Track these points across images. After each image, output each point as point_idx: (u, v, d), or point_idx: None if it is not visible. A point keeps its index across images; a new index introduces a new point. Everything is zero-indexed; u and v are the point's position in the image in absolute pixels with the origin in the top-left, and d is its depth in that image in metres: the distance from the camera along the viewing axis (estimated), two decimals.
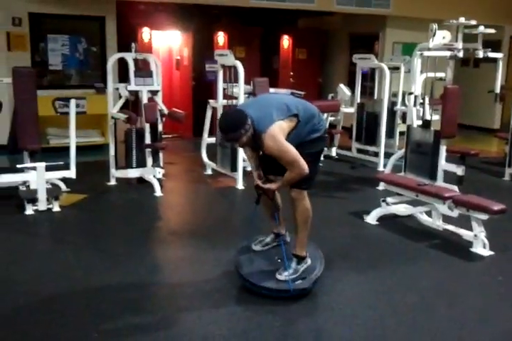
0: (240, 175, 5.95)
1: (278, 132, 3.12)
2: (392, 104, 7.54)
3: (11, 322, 3.04)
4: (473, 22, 5.19)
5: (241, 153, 5.79)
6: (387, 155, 6.66)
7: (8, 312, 3.14)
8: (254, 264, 3.48)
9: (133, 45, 5.98)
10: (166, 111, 6.07)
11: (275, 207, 3.54)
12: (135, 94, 5.86)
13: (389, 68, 7.23)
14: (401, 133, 6.85)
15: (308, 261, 3.46)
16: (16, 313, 3.14)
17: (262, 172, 3.43)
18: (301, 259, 3.41)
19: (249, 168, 6.58)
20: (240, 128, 3.08)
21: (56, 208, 4.93)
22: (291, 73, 10.23)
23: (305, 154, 3.18)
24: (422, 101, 5.66)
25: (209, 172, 6.64)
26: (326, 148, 7.56)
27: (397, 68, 7.65)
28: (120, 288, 3.46)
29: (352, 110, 7.78)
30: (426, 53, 5.41)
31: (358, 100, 7.72)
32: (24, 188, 5.11)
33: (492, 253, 4.14)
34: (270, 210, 3.58)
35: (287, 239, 3.62)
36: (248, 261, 3.51)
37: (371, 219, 4.87)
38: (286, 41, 10.27)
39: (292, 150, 3.12)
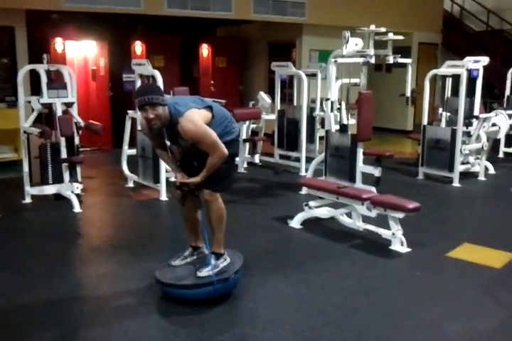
0: (163, 186, 5.86)
1: (195, 115, 3.17)
2: (311, 110, 7.73)
3: None
4: (383, 29, 5.41)
5: (163, 164, 5.71)
6: (309, 160, 6.80)
7: None
8: (173, 273, 3.44)
9: (44, 56, 5.77)
10: (82, 123, 5.88)
11: (196, 219, 3.52)
12: (49, 107, 5.65)
13: (306, 75, 7.41)
14: (321, 138, 7.02)
15: (228, 259, 3.47)
16: None
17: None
18: (219, 256, 3.43)
19: (172, 179, 6.53)
20: (160, 94, 3.14)
21: None
22: (212, 81, 10.26)
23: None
24: (338, 106, 5.84)
25: (131, 184, 6.50)
26: (249, 155, 7.65)
27: (315, 75, 7.85)
28: (40, 309, 3.32)
29: (273, 117, 7.89)
30: (340, 60, 5.58)
31: (279, 107, 7.84)
32: None
33: (409, 250, 4.32)
34: (190, 223, 3.56)
35: (205, 250, 3.60)
36: (167, 272, 3.47)
37: (295, 223, 4.95)
38: (205, 50, 10.29)
39: (211, 132, 3.17)
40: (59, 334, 3.04)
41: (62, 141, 5.55)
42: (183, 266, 3.53)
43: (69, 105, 5.77)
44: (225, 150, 3.21)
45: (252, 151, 7.70)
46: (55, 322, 3.15)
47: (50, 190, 5.66)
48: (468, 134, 7.08)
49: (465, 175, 6.96)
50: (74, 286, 3.71)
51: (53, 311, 3.28)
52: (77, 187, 5.59)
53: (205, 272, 3.35)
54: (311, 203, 4.99)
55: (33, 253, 4.37)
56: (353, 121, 5.90)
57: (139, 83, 6.26)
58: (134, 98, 3.23)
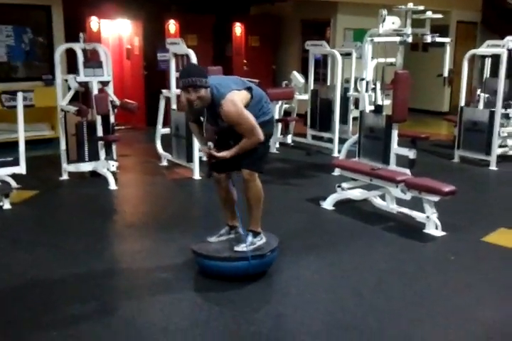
0: (196, 165, 5.91)
1: (237, 98, 3.20)
2: (345, 90, 7.63)
3: None
4: (421, 7, 5.27)
5: (196, 143, 5.74)
6: (342, 141, 6.75)
7: None
8: (210, 246, 3.51)
9: (81, 35, 5.83)
10: (117, 102, 5.94)
11: (232, 199, 3.56)
12: (85, 85, 5.71)
13: (341, 54, 7.30)
14: (354, 119, 6.94)
15: (264, 238, 3.51)
16: None
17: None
18: (256, 234, 3.47)
19: (205, 158, 6.57)
20: (203, 76, 3.17)
21: (7, 205, 4.79)
22: (245, 61, 10.20)
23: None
24: (373, 86, 5.74)
25: (164, 163, 6.57)
26: (281, 136, 7.63)
27: (349, 54, 7.73)
28: (78, 283, 3.41)
29: (306, 97, 7.83)
30: (376, 39, 5.48)
31: (312, 87, 7.76)
32: None
33: (444, 233, 4.28)
34: (226, 203, 3.60)
35: (240, 230, 3.64)
36: (204, 246, 3.53)
37: (327, 204, 4.94)
38: (238, 28, 10.21)
39: (251, 116, 3.21)
40: (96, 308, 3.13)
41: (98, 119, 5.63)
42: (219, 242, 3.58)
43: (105, 84, 5.82)
44: (262, 136, 3.24)
45: (285, 132, 7.66)
46: (92, 296, 3.24)
47: (86, 167, 5.76)
48: (506, 116, 6.88)
49: (503, 159, 6.81)
50: (110, 262, 3.80)
51: (90, 285, 3.37)
52: (113, 165, 5.68)
53: (241, 247, 3.40)
54: (344, 184, 4.96)
55: (70, 228, 4.48)
56: (387, 102, 5.80)
57: (173, 62, 6.28)
58: (179, 78, 3.29)
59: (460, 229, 4.42)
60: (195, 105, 3.22)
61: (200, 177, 5.90)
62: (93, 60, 5.88)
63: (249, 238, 3.44)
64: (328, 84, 7.90)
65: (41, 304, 3.14)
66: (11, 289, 3.33)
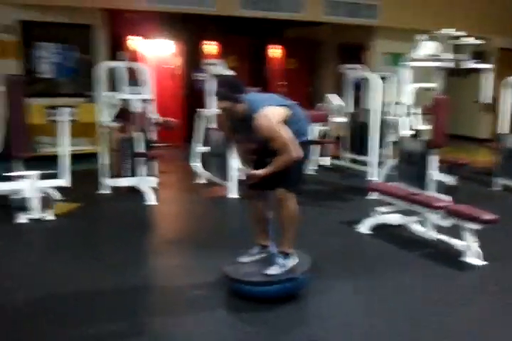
0: (232, 184, 5.96)
1: (271, 113, 3.21)
2: (383, 114, 7.61)
3: (5, 326, 3.04)
4: (462, 33, 5.28)
5: (234, 162, 5.81)
6: (379, 165, 6.71)
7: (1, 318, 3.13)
8: (241, 269, 3.50)
9: (124, 53, 6.00)
10: (158, 119, 6.07)
11: (265, 218, 3.55)
12: (127, 102, 5.86)
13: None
14: (392, 143, 6.91)
15: (296, 259, 3.48)
16: (8, 318, 3.14)
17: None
18: (288, 255, 3.45)
19: (242, 177, 6.61)
20: (233, 89, 3.22)
21: (49, 217, 4.91)
22: (282, 82, 10.30)
23: None
24: (412, 111, 5.73)
25: (202, 181, 6.64)
26: (317, 158, 7.64)
27: (387, 78, 7.73)
28: (114, 296, 3.46)
29: (343, 120, 7.84)
30: (413, 64, 5.49)
31: (349, 110, 7.78)
32: (17, 197, 5.06)
33: (485, 262, 4.18)
34: (259, 222, 3.60)
35: (273, 249, 3.63)
36: (235, 268, 3.53)
37: (363, 228, 4.90)
38: (275, 51, 10.35)
39: (286, 131, 3.20)
40: (130, 322, 3.15)
41: (139, 135, 5.75)
42: (251, 263, 3.58)
43: (145, 101, 5.97)
44: (297, 153, 3.21)
45: (321, 154, 7.68)
46: (127, 310, 3.27)
47: (126, 182, 5.88)
48: None
49: None
50: (147, 276, 3.85)
51: (127, 299, 3.41)
52: (153, 181, 5.77)
53: (273, 270, 3.38)
54: (381, 209, 4.93)
55: (109, 242, 4.57)
56: (426, 127, 5.78)
57: (211, 82, 6.39)
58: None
59: (501, 260, 4.31)
60: (221, 116, 3.29)
61: (236, 196, 5.94)
62: (135, 79, 6.04)
63: (281, 260, 3.42)
64: (366, 107, 7.90)
65: (78, 316, 3.19)
66: (50, 299, 3.40)
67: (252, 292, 3.38)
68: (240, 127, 3.38)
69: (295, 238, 3.49)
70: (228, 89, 3.24)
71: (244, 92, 3.32)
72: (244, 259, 3.61)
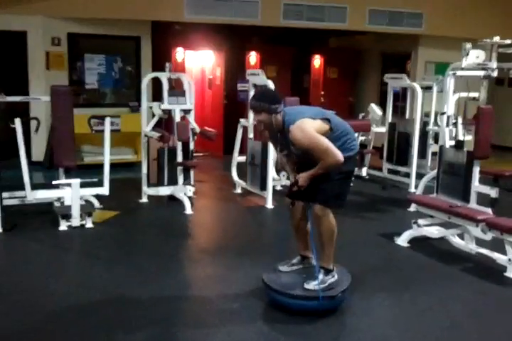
0: (269, 194, 5.96)
1: (307, 124, 3.17)
2: (424, 124, 7.48)
3: (44, 331, 3.12)
4: (508, 41, 5.14)
5: (271, 172, 5.82)
6: (419, 176, 6.59)
7: (42, 321, 3.22)
8: (281, 279, 3.50)
9: (167, 64, 6.10)
10: (197, 129, 6.15)
11: (305, 229, 3.54)
12: (168, 112, 5.96)
13: (421, 88, 7.20)
14: (433, 154, 6.77)
15: (336, 276, 3.45)
16: (48, 322, 3.22)
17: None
18: (328, 272, 3.42)
19: (278, 187, 6.62)
20: (269, 101, 3.23)
21: (89, 224, 5.03)
22: (322, 92, 10.27)
23: (336, 172, 3.24)
24: (454, 121, 5.61)
25: (239, 191, 6.68)
26: (356, 168, 7.55)
27: (430, 88, 7.62)
28: (150, 303, 3.50)
29: (383, 130, 7.74)
30: (459, 73, 5.38)
31: (390, 120, 7.68)
32: (59, 204, 5.22)
33: None
34: (299, 232, 3.60)
35: (313, 261, 3.61)
36: (275, 277, 3.53)
37: (402, 241, 4.81)
38: (317, 60, 10.34)
39: (323, 139, 3.15)
40: (166, 329, 3.17)
41: (179, 145, 5.84)
42: (290, 274, 3.57)
43: (187, 112, 6.05)
44: (340, 157, 3.14)
45: (360, 164, 7.59)
46: (163, 317, 3.30)
47: (165, 191, 5.95)
48: None
49: None
50: (182, 284, 3.88)
51: (163, 307, 3.44)
52: (190, 190, 5.84)
53: (312, 285, 3.34)
54: (420, 221, 4.82)
55: (146, 249, 4.63)
56: (469, 138, 5.64)
57: (252, 93, 6.44)
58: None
59: None
60: (259, 128, 3.30)
61: (272, 206, 5.94)
62: (177, 89, 6.15)
63: (321, 276, 3.38)
64: (407, 117, 7.79)
65: (113, 321, 3.24)
66: (87, 304, 3.47)
67: (289, 304, 3.36)
68: (279, 139, 3.39)
69: (334, 253, 3.45)
70: (264, 101, 3.23)
71: (282, 103, 3.31)
72: (284, 268, 3.61)
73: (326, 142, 3.15)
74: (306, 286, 3.35)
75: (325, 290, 3.31)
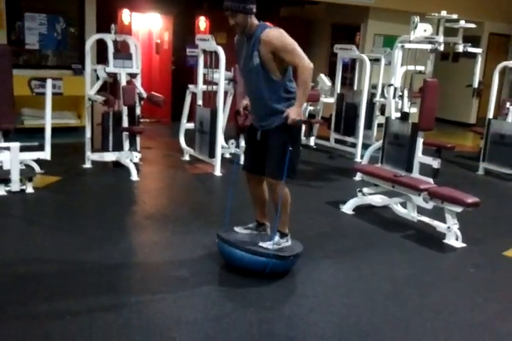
0: (217, 161, 5.92)
1: (285, 32, 3.12)
2: (372, 96, 7.59)
3: None
4: (455, 16, 5.22)
5: (220, 139, 5.76)
6: (365, 147, 6.71)
7: None
8: (236, 236, 3.55)
9: (113, 26, 5.87)
10: (144, 94, 5.99)
11: (263, 197, 3.58)
12: (113, 76, 5.76)
13: (369, 60, 7.26)
14: (379, 125, 6.90)
15: (289, 241, 3.51)
16: None
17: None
18: (283, 235, 3.47)
19: (227, 155, 6.58)
20: (245, 1, 3.11)
21: (30, 189, 4.85)
22: None
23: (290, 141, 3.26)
24: (401, 93, 5.69)
25: (186, 158, 6.60)
26: (304, 138, 7.60)
27: (378, 60, 7.69)
28: (94, 271, 3.43)
29: (331, 100, 7.80)
30: (407, 46, 5.43)
31: (338, 90, 7.73)
32: None
33: (464, 245, 4.22)
34: (256, 199, 3.62)
35: (268, 230, 3.64)
36: (230, 234, 3.58)
37: (347, 208, 4.91)
38: None
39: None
40: (109, 297, 3.12)
41: (125, 110, 5.67)
42: (247, 234, 3.62)
43: (133, 76, 5.87)
44: (310, 63, 3.12)
45: (308, 134, 7.64)
46: (107, 285, 3.25)
47: (109, 156, 5.81)
48: None
49: None
50: (128, 251, 3.82)
51: (107, 274, 3.39)
52: (136, 156, 5.72)
53: (266, 244, 3.40)
54: (365, 190, 4.93)
55: (90, 216, 4.51)
56: (414, 110, 5.76)
57: (201, 58, 6.30)
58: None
59: (481, 242, 4.36)
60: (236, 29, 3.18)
61: (221, 174, 5.90)
62: (123, 52, 5.93)
63: (276, 238, 3.44)
64: (355, 88, 7.86)
65: (55, 290, 3.16)
66: (27, 272, 3.36)
67: (241, 258, 3.39)
68: (245, 48, 3.25)
69: (289, 220, 3.50)
70: (239, 1, 3.11)
71: (255, 4, 3.18)
72: (239, 229, 3.65)
73: (297, 48, 3.11)
74: (261, 244, 3.41)
75: (277, 251, 3.38)
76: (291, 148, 3.27)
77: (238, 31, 3.25)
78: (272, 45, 3.11)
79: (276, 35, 3.11)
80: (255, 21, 3.20)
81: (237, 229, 3.65)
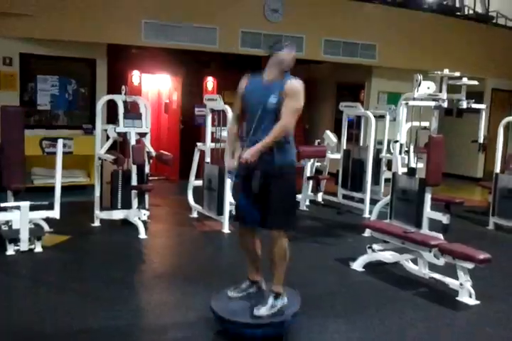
0: (226, 218, 5.91)
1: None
2: (378, 152, 7.66)
3: None
4: (457, 74, 5.36)
5: (228, 197, 5.78)
6: (373, 202, 6.69)
7: None
8: (229, 306, 3.42)
9: (123, 87, 6.04)
10: (153, 153, 6.08)
11: (256, 254, 3.50)
12: (123, 135, 5.88)
13: (374, 116, 7.38)
14: (386, 180, 6.91)
15: (285, 299, 3.40)
16: None
17: None
18: (278, 295, 3.37)
19: (235, 212, 6.56)
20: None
21: (38, 249, 4.83)
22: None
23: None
24: (407, 149, 5.77)
25: (195, 215, 6.60)
26: (312, 193, 7.61)
27: (383, 116, 7.82)
28: (102, 333, 3.36)
29: (338, 156, 7.87)
30: (411, 103, 5.55)
31: (344, 147, 7.82)
32: (6, 228, 5.00)
33: (478, 302, 4.11)
34: (250, 256, 3.54)
35: (263, 286, 3.56)
36: (223, 303, 3.44)
37: (357, 265, 4.84)
38: None
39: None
40: None
41: (134, 168, 5.74)
42: (239, 299, 3.49)
43: (142, 135, 5.98)
44: (293, 123, 3.34)
45: (316, 189, 7.66)
46: None
47: (118, 215, 5.83)
48: None
49: None
50: (134, 313, 3.74)
51: (116, 336, 3.32)
52: (144, 214, 5.73)
53: (262, 311, 3.29)
54: (375, 246, 4.87)
55: (98, 275, 4.46)
56: (420, 165, 5.80)
57: (209, 117, 6.45)
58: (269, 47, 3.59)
59: (495, 299, 4.25)
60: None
61: (229, 231, 5.88)
62: (133, 112, 6.08)
63: (270, 301, 3.34)
64: (361, 144, 7.96)
65: None
66: (33, 334, 3.30)
67: (239, 333, 3.30)
68: (261, 89, 3.42)
69: (285, 276, 3.40)
70: (277, 43, 3.54)
71: None
72: (233, 294, 3.53)
73: (300, 109, 3.34)
74: (256, 313, 3.28)
75: (274, 316, 3.27)
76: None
77: (272, 71, 3.47)
78: (288, 90, 3.35)
79: (298, 87, 3.40)
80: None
81: (230, 293, 3.52)
